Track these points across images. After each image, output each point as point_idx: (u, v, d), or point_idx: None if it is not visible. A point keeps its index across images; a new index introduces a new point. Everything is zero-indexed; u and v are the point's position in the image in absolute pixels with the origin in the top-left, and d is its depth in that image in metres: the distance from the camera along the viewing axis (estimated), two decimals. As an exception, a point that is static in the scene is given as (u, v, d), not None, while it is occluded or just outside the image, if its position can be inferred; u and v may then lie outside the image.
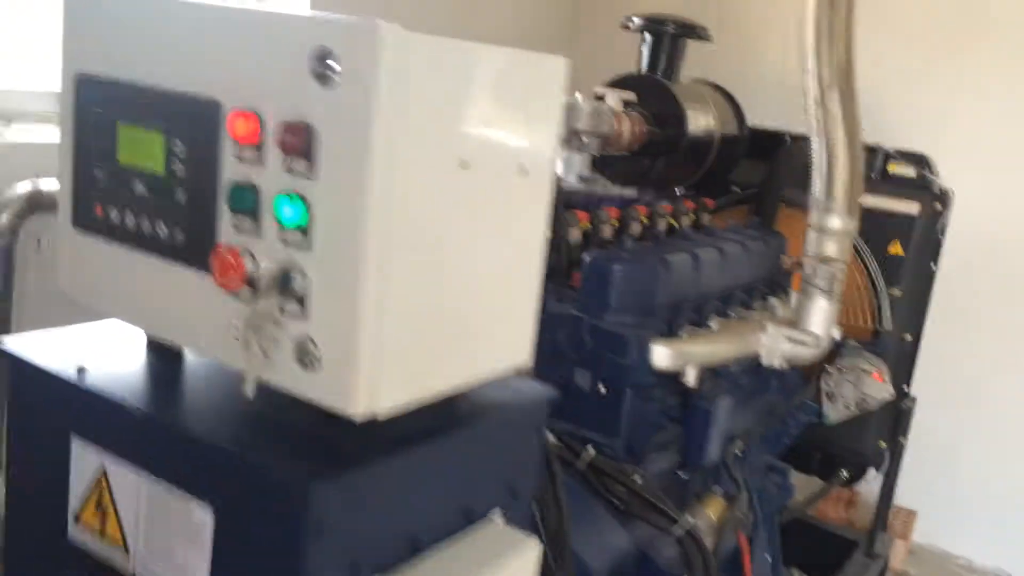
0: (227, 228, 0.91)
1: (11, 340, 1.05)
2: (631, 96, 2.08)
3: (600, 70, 2.18)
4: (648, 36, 2.25)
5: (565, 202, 1.81)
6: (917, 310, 2.46)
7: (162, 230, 0.96)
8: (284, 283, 0.86)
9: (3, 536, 1.10)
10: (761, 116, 2.49)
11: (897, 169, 2.40)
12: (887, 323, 2.36)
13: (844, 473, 2.57)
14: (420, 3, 2.79)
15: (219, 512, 0.91)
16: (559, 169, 1.92)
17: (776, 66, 3.04)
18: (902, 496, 2.76)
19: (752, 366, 1.96)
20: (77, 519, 1.01)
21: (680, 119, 2.16)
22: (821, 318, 1.80)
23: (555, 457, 1.26)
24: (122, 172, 0.98)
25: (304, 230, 0.86)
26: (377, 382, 0.87)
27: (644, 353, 1.62)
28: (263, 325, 0.87)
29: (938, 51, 3.00)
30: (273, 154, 0.87)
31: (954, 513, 3.22)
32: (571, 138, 1.79)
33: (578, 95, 1.81)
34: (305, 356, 0.88)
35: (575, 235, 1.80)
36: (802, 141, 2.46)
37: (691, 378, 1.68)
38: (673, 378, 1.70)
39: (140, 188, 0.97)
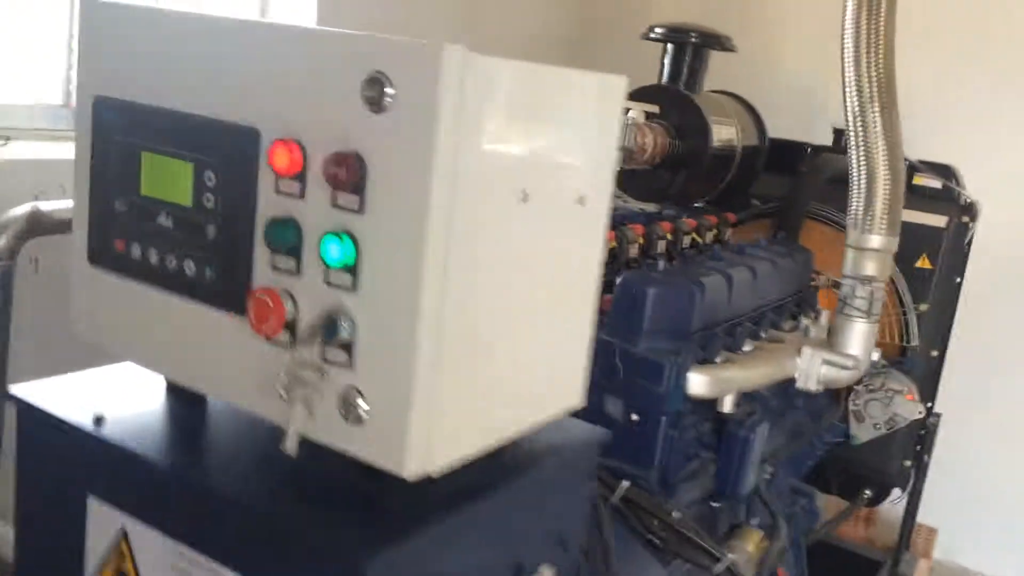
0: (263, 267, 0.83)
1: (21, 387, 0.96)
2: (654, 108, 2.01)
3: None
4: (670, 46, 2.18)
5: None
6: (943, 324, 2.40)
7: (189, 268, 0.87)
8: (329, 329, 0.78)
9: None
10: (778, 126, 2.42)
11: (923, 181, 2.33)
12: (915, 339, 2.29)
13: (867, 493, 2.50)
14: (428, 8, 2.71)
15: (256, 581, 0.82)
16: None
17: (794, 75, 2.98)
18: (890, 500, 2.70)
19: (780, 386, 1.89)
20: (95, 584, 0.93)
21: (704, 132, 2.09)
22: (860, 340, 1.72)
23: (603, 503, 1.19)
24: (145, 204, 0.89)
25: (351, 270, 0.78)
26: (431, 437, 0.79)
27: (680, 380, 1.54)
28: (305, 375, 0.79)
29: (963, 59, 2.94)
30: (317, 187, 0.78)
31: (970, 528, 3.16)
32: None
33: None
34: (350, 409, 0.79)
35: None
36: (826, 152, 2.41)
37: (728, 405, 1.60)
38: (706, 404, 1.63)
39: (165, 222, 0.88)
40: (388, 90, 0.74)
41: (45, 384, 0.98)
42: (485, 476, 0.90)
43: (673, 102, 2.07)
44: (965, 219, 2.29)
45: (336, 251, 0.77)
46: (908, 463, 2.49)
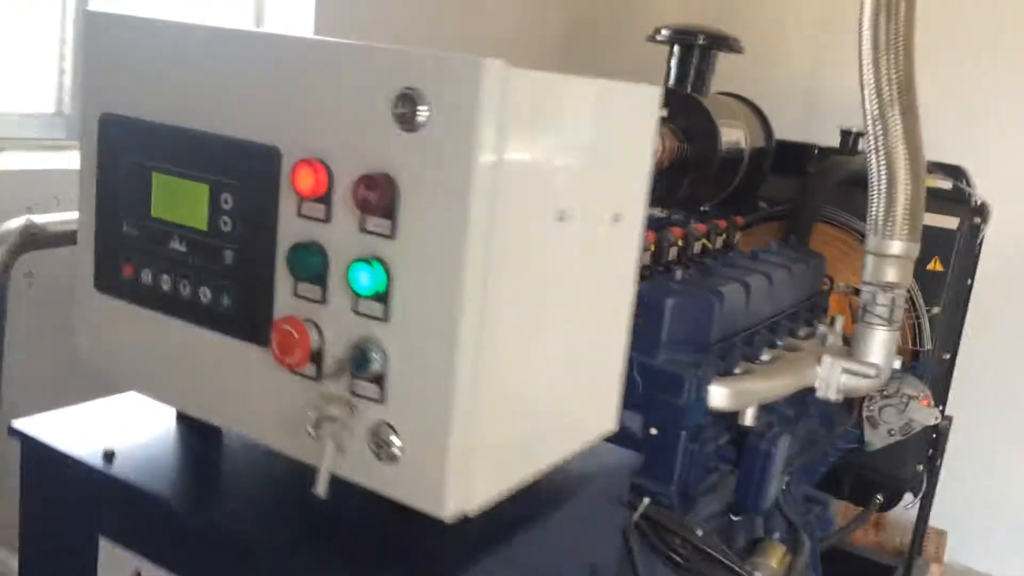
0: (285, 295, 0.78)
1: (25, 421, 0.91)
2: (662, 112, 1.96)
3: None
4: (676, 48, 2.13)
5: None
6: (954, 327, 2.36)
7: (205, 295, 0.82)
8: (360, 362, 0.73)
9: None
10: (779, 127, 2.38)
11: (933, 183, 2.29)
12: (928, 343, 2.26)
13: (879, 498, 2.47)
14: (421, 10, 2.66)
15: (282, 629, 0.77)
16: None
17: (795, 75, 2.94)
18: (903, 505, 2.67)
19: (795, 394, 1.85)
20: (107, 628, 0.88)
21: (713, 135, 2.04)
22: (881, 348, 1.68)
23: (633, 530, 1.14)
24: (156, 227, 0.84)
25: (382, 298, 0.73)
26: (469, 474, 0.74)
27: (701, 393, 1.50)
28: (335, 412, 0.74)
29: (971, 58, 2.90)
30: (344, 210, 0.74)
31: (978, 529, 3.13)
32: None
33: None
34: (383, 446, 0.75)
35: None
36: (834, 154, 2.37)
37: (749, 417, 1.56)
38: (725, 415, 1.58)
39: (178, 246, 0.83)
40: (421, 107, 0.69)
41: (50, 418, 0.93)
42: (520, 511, 0.85)
43: (681, 105, 2.02)
44: (977, 220, 2.25)
45: (366, 279, 0.72)
46: (921, 467, 2.46)
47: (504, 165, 0.70)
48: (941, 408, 2.40)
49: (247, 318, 0.80)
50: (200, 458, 0.90)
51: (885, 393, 2.14)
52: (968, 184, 2.27)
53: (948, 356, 2.37)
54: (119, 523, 0.86)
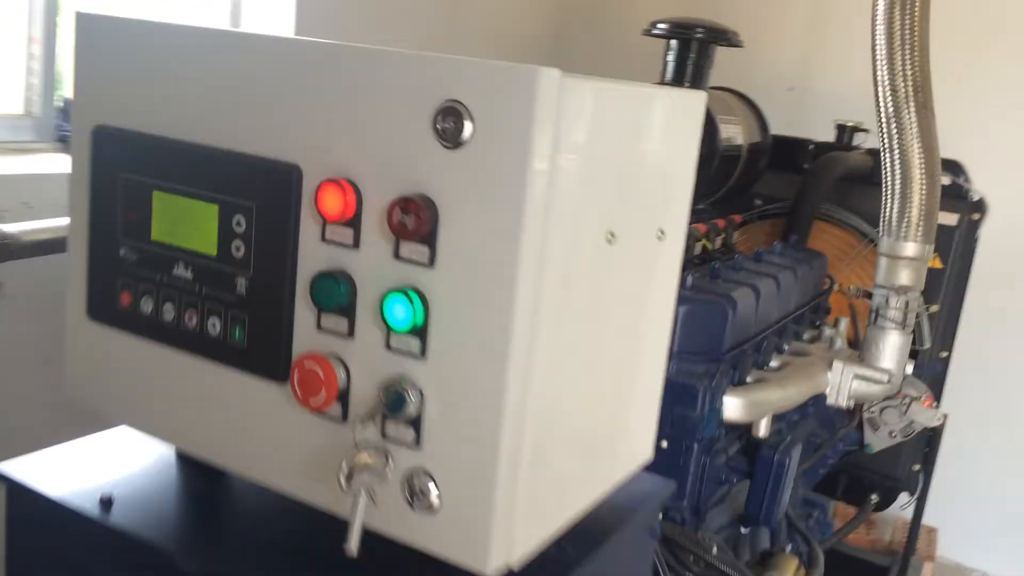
0: (307, 328, 0.70)
1: (12, 464, 0.82)
2: (661, 109, 1.90)
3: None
4: (674, 42, 2.07)
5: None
6: (951, 325, 2.33)
7: (214, 327, 0.74)
8: (395, 404, 0.66)
9: None
10: (772, 123, 2.33)
11: (929, 179, 2.25)
12: (927, 342, 2.22)
13: (874, 498, 2.44)
14: (407, 3, 2.58)
15: None
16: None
17: (787, 70, 2.89)
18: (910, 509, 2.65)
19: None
20: None
21: (712, 133, 1.99)
22: (894, 352, 1.64)
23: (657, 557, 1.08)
24: (158, 252, 0.76)
25: (419, 333, 0.65)
26: (514, 523, 0.67)
27: (716, 404, 1.44)
28: (368, 460, 0.67)
29: (966, 52, 2.87)
30: (375, 235, 0.66)
31: (966, 525, 3.13)
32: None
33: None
34: (418, 496, 0.67)
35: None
36: (832, 150, 2.33)
37: (763, 429, 1.50)
38: (736, 426, 1.53)
39: (183, 273, 0.75)
40: (467, 122, 0.61)
41: (37, 459, 0.84)
42: (561, 553, 0.78)
43: (680, 101, 1.97)
44: (975, 216, 2.22)
45: (402, 312, 0.64)
46: (916, 467, 2.43)
47: (556, 184, 0.63)
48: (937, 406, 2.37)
49: (263, 352, 0.72)
50: (205, 504, 0.83)
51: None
52: (966, 179, 2.24)
53: (946, 355, 2.34)
54: (120, 577, 0.78)
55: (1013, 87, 2.81)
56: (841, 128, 2.42)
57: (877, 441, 2.19)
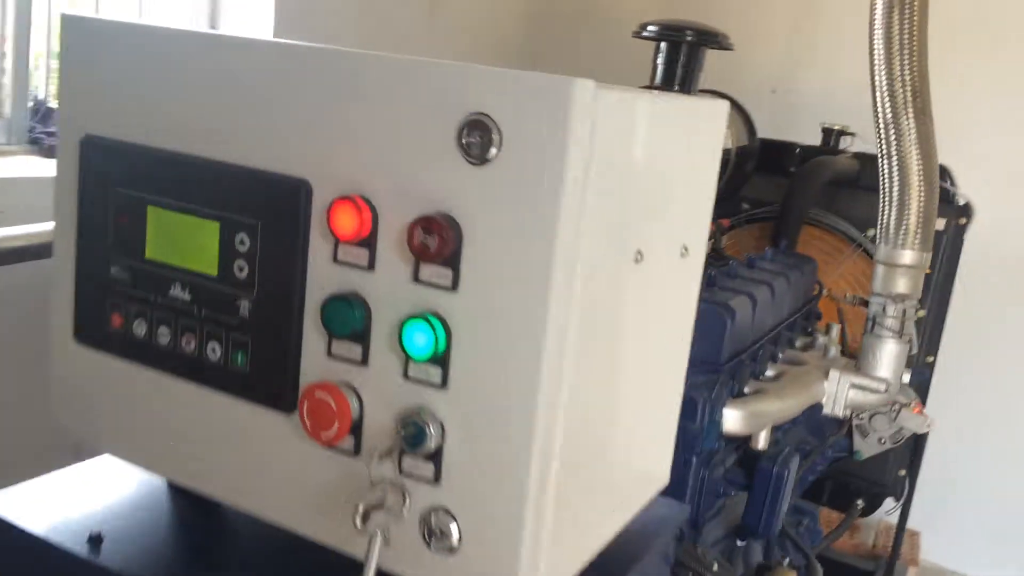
0: (316, 354, 0.66)
1: (-8, 498, 0.77)
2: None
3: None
4: (663, 45, 2.04)
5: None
6: (936, 330, 2.33)
7: (214, 352, 0.70)
8: (414, 438, 0.61)
9: None
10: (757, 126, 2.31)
11: (916, 183, 2.24)
12: (915, 347, 2.21)
13: (860, 503, 2.43)
14: (381, 5, 2.52)
15: None
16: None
17: (770, 72, 2.88)
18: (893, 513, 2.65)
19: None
20: None
21: (703, 136, 1.96)
22: (891, 361, 1.61)
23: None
24: (152, 271, 0.71)
25: (440, 361, 0.61)
26: (539, 564, 0.63)
27: (716, 417, 1.41)
28: (385, 498, 0.62)
29: (950, 55, 2.87)
30: (392, 256, 0.62)
31: (948, 528, 3.13)
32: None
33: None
34: (436, 535, 0.63)
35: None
36: (816, 153, 2.31)
37: (762, 441, 1.47)
38: (733, 438, 1.50)
39: (180, 294, 0.70)
40: (494, 136, 0.57)
41: (21, 492, 0.79)
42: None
43: (670, 105, 1.93)
44: (962, 220, 2.22)
45: (422, 339, 0.60)
46: (903, 472, 2.43)
47: (588, 201, 0.59)
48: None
49: (268, 380, 0.68)
50: (200, 539, 0.78)
51: (876, 401, 2.08)
52: (952, 184, 2.23)
53: (932, 359, 2.33)
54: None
55: (998, 90, 2.81)
56: (827, 132, 2.40)
57: (867, 448, 2.18)
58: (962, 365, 2.94)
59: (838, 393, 1.62)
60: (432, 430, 0.61)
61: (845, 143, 2.39)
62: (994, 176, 2.76)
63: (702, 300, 1.54)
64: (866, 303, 1.67)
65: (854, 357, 1.87)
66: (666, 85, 2.04)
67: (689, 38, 2.02)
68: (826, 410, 1.65)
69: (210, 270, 0.68)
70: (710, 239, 2.00)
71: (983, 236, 2.83)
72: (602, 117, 0.58)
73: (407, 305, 0.61)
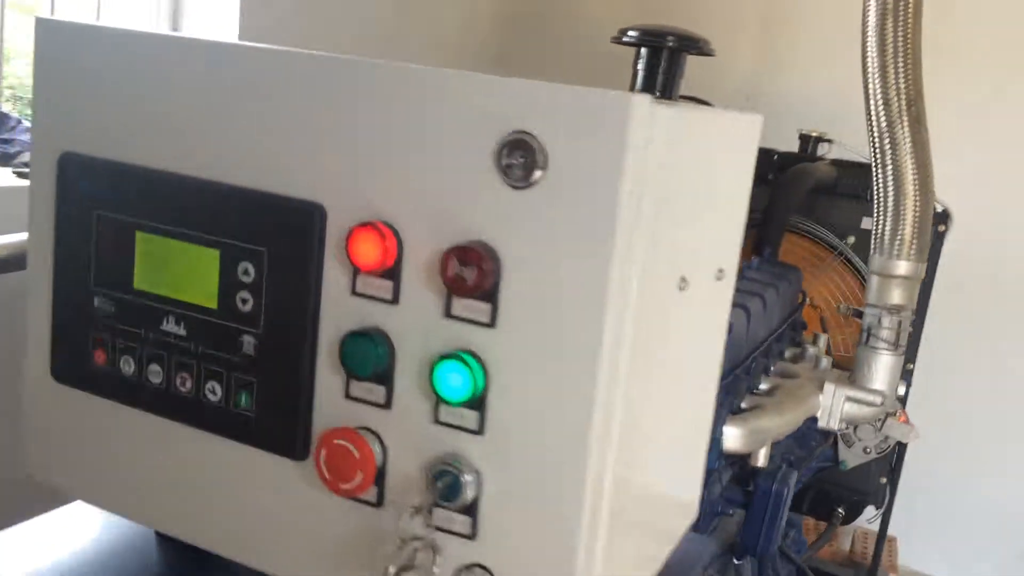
0: (331, 396, 0.59)
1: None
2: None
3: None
4: (644, 51, 1.99)
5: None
6: (915, 337, 2.32)
7: (213, 393, 0.63)
8: (452, 488, 0.55)
9: None
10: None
11: (896, 189, 2.23)
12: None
13: (840, 512, 2.41)
14: (351, 8, 2.45)
15: None
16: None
17: (742, 79, 2.85)
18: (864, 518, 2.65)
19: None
20: None
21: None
22: (886, 374, 1.58)
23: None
24: (142, 303, 0.64)
25: (476, 404, 0.55)
26: (583, 621, 0.57)
27: (716, 435, 1.36)
28: (415, 556, 0.56)
29: (929, 60, 2.87)
30: (419, 289, 0.56)
31: (925, 534, 3.14)
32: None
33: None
34: (471, 594, 0.57)
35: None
36: (793, 159, 2.29)
37: (761, 458, 1.43)
38: (730, 456, 1.46)
39: (174, 328, 0.63)
40: (539, 157, 0.51)
41: (-5, 545, 0.71)
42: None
43: (652, 112, 1.89)
44: (941, 228, 2.20)
45: (458, 380, 0.54)
46: (884, 480, 2.41)
47: (640, 227, 0.53)
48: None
49: (276, 424, 0.61)
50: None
51: (861, 410, 2.06)
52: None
53: (911, 367, 2.32)
54: None
55: (975, 97, 2.82)
56: (805, 138, 2.38)
57: (852, 457, 2.16)
58: (940, 370, 2.94)
59: (833, 406, 1.59)
60: (468, 480, 0.55)
61: (822, 149, 2.37)
62: (975, 182, 2.77)
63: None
64: (859, 314, 1.64)
65: (838, 366, 1.84)
66: (646, 91, 2.00)
67: (670, 44, 1.98)
68: (821, 423, 1.61)
69: (208, 302, 0.62)
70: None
71: (956, 243, 2.84)
72: (657, 135, 0.52)
73: (438, 342, 0.55)
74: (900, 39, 1.47)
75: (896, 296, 1.59)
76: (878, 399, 1.60)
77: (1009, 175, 2.89)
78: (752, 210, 2.29)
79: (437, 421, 0.56)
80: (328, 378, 0.59)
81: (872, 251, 1.61)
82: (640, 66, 2.10)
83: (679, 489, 0.74)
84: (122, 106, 0.64)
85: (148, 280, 0.64)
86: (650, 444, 0.62)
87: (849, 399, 1.60)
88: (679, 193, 0.59)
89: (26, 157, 1.59)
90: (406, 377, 0.57)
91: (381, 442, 0.58)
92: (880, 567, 2.72)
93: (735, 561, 1.62)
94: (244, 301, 0.60)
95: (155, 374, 0.65)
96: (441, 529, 0.57)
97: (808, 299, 2.08)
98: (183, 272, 0.62)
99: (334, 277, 0.58)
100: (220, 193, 0.60)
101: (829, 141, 2.37)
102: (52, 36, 0.66)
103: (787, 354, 1.84)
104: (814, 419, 2.13)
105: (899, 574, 3.10)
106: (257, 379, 0.61)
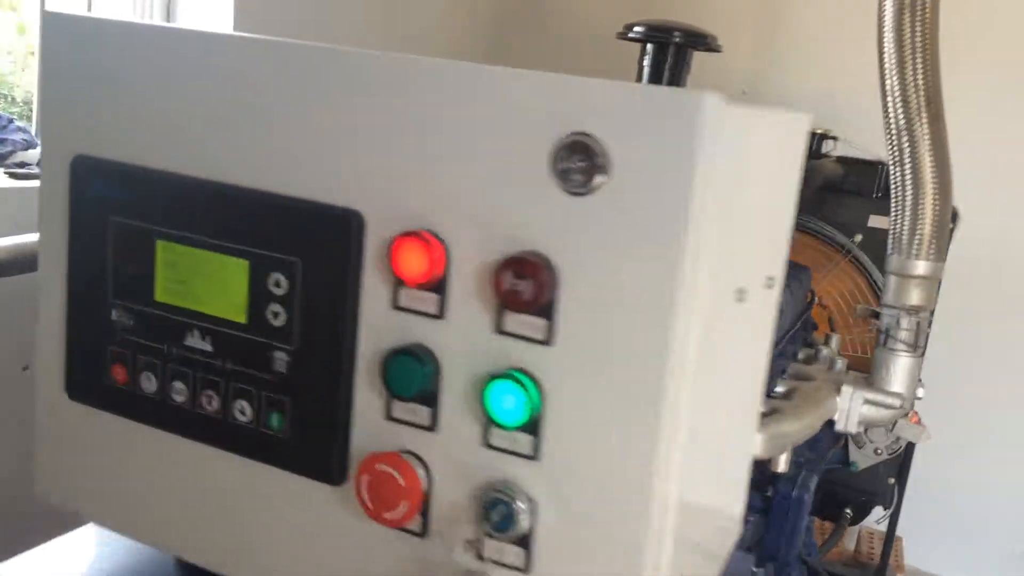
0: (372, 417, 0.55)
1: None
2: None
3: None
4: (650, 47, 1.96)
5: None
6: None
7: (242, 413, 0.59)
8: (505, 518, 0.52)
9: None
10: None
11: (904, 186, 2.21)
12: (906, 356, 2.17)
13: (848, 512, 2.39)
14: (348, 9, 2.41)
15: None
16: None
17: (740, 75, 2.82)
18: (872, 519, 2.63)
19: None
20: None
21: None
22: (904, 376, 1.55)
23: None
24: (164, 317, 0.60)
25: (531, 428, 0.51)
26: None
27: (738, 442, 1.33)
28: (466, 589, 0.52)
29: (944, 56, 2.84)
30: (469, 303, 0.52)
31: (929, 532, 3.12)
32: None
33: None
34: (525, 629, 0.53)
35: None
36: (810, 160, 2.26)
37: (782, 464, 1.40)
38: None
39: (200, 343, 0.59)
40: (600, 161, 0.48)
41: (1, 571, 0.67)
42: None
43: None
44: (949, 226, 2.18)
45: (512, 402, 0.50)
46: (892, 480, 2.39)
47: (708, 236, 0.49)
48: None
49: (310, 447, 0.57)
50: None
51: (872, 411, 2.04)
52: (939, 188, 2.19)
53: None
54: None
55: (987, 92, 2.79)
56: (810, 135, 2.35)
57: (862, 459, 2.13)
58: (944, 369, 2.92)
59: (851, 409, 1.55)
60: (522, 509, 0.52)
61: (827, 147, 2.35)
62: (983, 179, 2.74)
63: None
64: (877, 315, 1.61)
65: (853, 368, 1.81)
66: (655, 88, 1.96)
67: (677, 39, 1.94)
68: (839, 427, 1.58)
69: (237, 316, 0.58)
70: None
71: (957, 241, 2.81)
72: (727, 137, 0.49)
73: (488, 361, 0.51)
74: (918, 35, 1.43)
75: (915, 297, 1.56)
76: (897, 401, 1.57)
77: (1013, 173, 2.87)
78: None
79: (487, 445, 0.52)
80: (367, 397, 0.55)
81: (889, 251, 1.58)
82: (646, 62, 2.05)
83: (728, 505, 0.71)
84: (139, 105, 0.60)
85: (170, 292, 0.60)
86: (707, 462, 0.59)
87: (867, 402, 1.56)
88: (740, 198, 0.55)
89: (19, 157, 1.54)
90: (453, 397, 0.53)
91: (425, 467, 0.54)
92: (888, 567, 2.70)
93: (752, 569, 1.59)
94: (276, 315, 0.56)
95: (179, 392, 0.61)
96: (492, 562, 0.53)
97: (817, 299, 2.05)
98: (209, 283, 0.58)
99: (374, 289, 0.54)
100: (250, 199, 0.56)
101: (834, 138, 2.34)
102: (61, 31, 0.62)
103: (801, 355, 1.82)
104: (826, 421, 2.10)
105: (906, 574, 3.08)
106: (290, 398, 0.57)
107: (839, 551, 2.87)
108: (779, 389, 1.57)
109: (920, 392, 1.64)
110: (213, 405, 0.60)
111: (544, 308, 0.50)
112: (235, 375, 0.58)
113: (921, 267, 1.54)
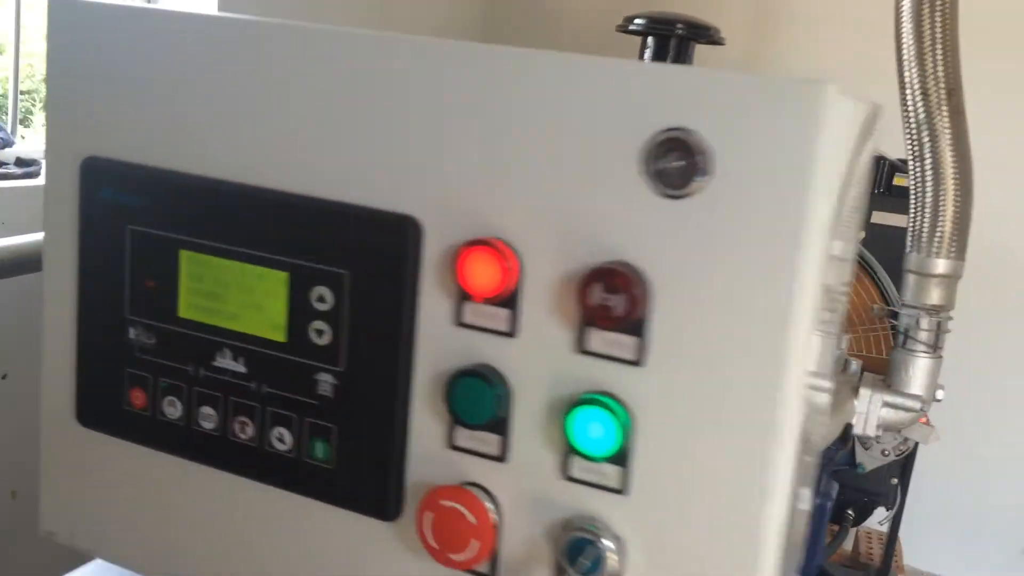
0: (432, 445, 0.50)
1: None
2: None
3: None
4: (651, 39, 1.91)
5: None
6: (925, 333, 2.26)
7: (281, 441, 0.53)
8: (592, 561, 0.46)
9: None
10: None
11: (904, 181, 2.17)
12: (912, 354, 2.13)
13: (850, 513, 2.35)
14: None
15: None
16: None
17: (739, 66, 2.78)
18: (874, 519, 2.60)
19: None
20: None
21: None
22: (924, 377, 1.51)
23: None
24: (189, 334, 0.54)
25: (620, 459, 0.46)
26: None
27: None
28: (545, 640, 0.46)
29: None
30: (546, 320, 0.46)
31: (928, 533, 3.10)
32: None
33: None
34: None
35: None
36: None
37: (804, 470, 1.35)
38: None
39: (232, 365, 0.53)
40: (700, 159, 0.42)
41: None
42: None
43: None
44: (970, 222, 2.15)
45: (599, 431, 0.45)
46: (895, 481, 2.36)
47: (816, 243, 0.44)
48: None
49: (361, 479, 0.51)
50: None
51: (880, 411, 2.00)
52: (938, 182, 2.16)
53: (920, 364, 2.27)
54: None
55: (986, 86, 2.76)
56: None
57: (869, 460, 2.09)
58: (944, 368, 2.89)
59: (870, 412, 1.51)
60: (609, 548, 0.46)
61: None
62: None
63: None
64: (895, 315, 1.57)
65: (867, 370, 1.77)
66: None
67: (680, 32, 1.89)
68: (857, 429, 1.54)
69: (275, 334, 0.52)
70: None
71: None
72: (843, 130, 0.43)
73: (569, 384, 0.46)
74: (938, 26, 1.39)
75: (935, 296, 1.51)
76: (917, 404, 1.53)
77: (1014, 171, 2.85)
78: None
79: (567, 477, 0.47)
80: (426, 424, 0.49)
81: (908, 249, 1.54)
82: (647, 55, 2.00)
83: (800, 522, 0.66)
84: (158, 100, 0.53)
85: (196, 308, 0.53)
86: (795, 482, 0.54)
87: (886, 404, 1.52)
88: (841, 198, 0.50)
89: (7, 155, 1.46)
90: (527, 424, 0.47)
91: (494, 501, 0.48)
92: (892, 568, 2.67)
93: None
94: (320, 332, 0.50)
95: (207, 418, 0.54)
96: (568, 605, 0.47)
97: (872, 307, 2.01)
98: (242, 298, 0.52)
99: (433, 304, 0.48)
100: (289, 204, 0.50)
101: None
102: (71, 19, 0.55)
103: (810, 356, 1.77)
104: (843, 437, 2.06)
105: (906, 574, 3.06)
106: (337, 425, 0.51)
107: (837, 552, 2.84)
108: (795, 392, 1.52)
109: (940, 394, 1.60)
110: (247, 432, 0.53)
111: (635, 324, 0.44)
112: (272, 399, 0.52)
113: (941, 265, 1.49)
